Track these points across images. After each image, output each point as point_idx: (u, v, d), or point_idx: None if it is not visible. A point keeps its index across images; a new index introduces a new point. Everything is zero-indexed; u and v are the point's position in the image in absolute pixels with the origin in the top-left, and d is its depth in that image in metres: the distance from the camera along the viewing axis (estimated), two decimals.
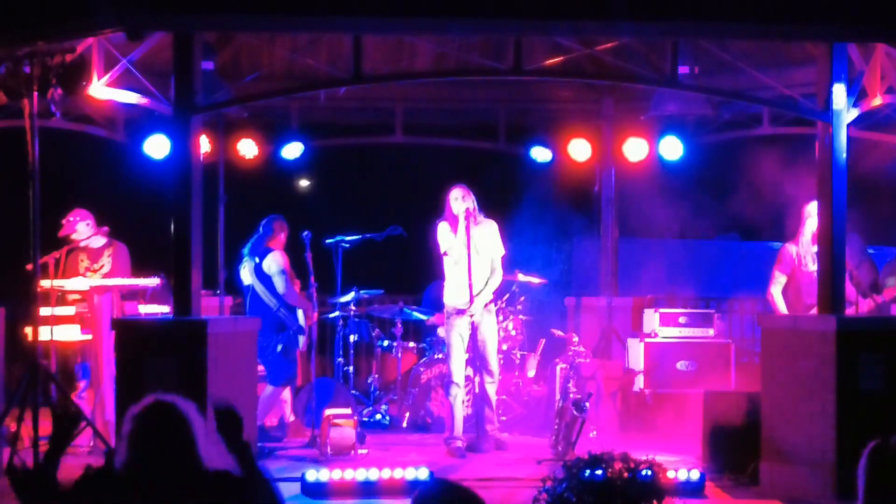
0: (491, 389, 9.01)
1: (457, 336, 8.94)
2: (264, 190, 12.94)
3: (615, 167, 11.86)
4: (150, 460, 3.74)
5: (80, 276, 8.94)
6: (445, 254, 8.95)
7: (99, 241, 9.22)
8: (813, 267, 8.65)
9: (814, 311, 8.66)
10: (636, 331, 10.62)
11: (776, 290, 8.91)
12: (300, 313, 9.40)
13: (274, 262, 9.23)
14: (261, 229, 9.41)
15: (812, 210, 8.62)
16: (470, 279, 8.77)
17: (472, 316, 8.84)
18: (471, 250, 8.77)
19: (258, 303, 9.29)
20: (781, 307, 8.87)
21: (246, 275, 9.41)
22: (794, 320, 8.01)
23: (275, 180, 13.35)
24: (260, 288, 9.25)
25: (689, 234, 12.48)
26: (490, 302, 9.08)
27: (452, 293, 9.00)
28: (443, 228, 8.96)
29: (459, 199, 8.85)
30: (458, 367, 8.94)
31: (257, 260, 9.28)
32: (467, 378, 9.17)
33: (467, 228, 8.77)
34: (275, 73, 9.98)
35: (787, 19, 7.45)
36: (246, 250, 9.43)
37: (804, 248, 8.82)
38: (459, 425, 8.92)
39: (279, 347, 9.26)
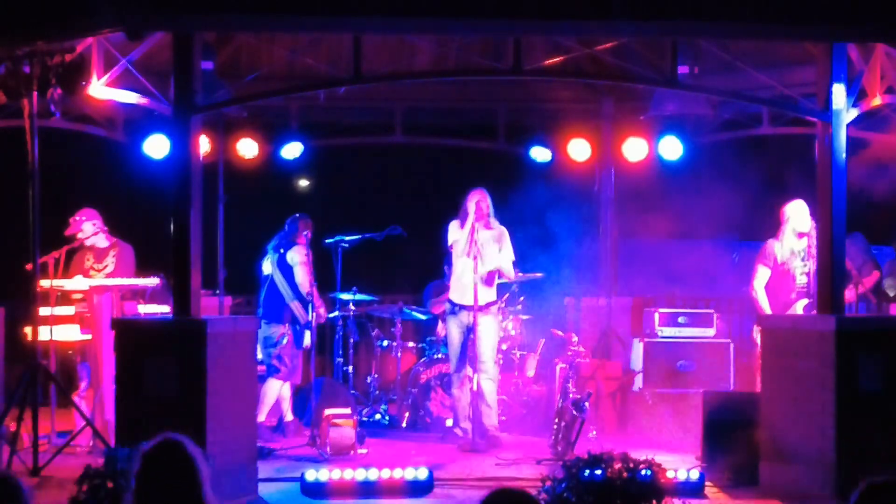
0: (487, 386, 9.07)
1: (454, 330, 9.26)
2: (264, 190, 12.94)
3: (615, 167, 11.86)
4: (158, 499, 3.74)
5: (84, 276, 8.96)
6: (451, 246, 9.29)
7: (104, 241, 9.23)
8: (795, 264, 8.75)
9: (794, 307, 8.74)
10: (636, 331, 10.62)
11: (759, 285, 8.98)
12: (311, 309, 9.51)
13: (297, 254, 9.54)
14: (286, 227, 9.72)
15: (790, 211, 8.76)
16: (474, 275, 8.98)
17: (469, 313, 9.04)
18: (473, 248, 9.01)
19: (274, 293, 9.54)
20: (763, 302, 8.90)
21: (267, 266, 9.69)
22: (794, 320, 8.02)
23: (274, 180, 13.34)
24: (279, 278, 9.52)
25: (690, 234, 12.45)
26: (492, 304, 9.23)
27: (453, 287, 9.32)
28: (453, 225, 9.32)
29: (473, 201, 9.18)
30: (455, 359, 9.27)
31: (282, 251, 9.56)
32: (467, 378, 9.18)
33: (472, 225, 9.06)
34: (275, 73, 9.97)
35: (787, 19, 7.44)
36: (271, 245, 9.73)
37: (785, 248, 8.89)
38: (462, 415, 9.20)
39: (285, 340, 9.39)
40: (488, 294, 9.21)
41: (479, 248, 9.05)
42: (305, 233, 9.58)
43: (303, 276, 9.46)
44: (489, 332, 9.16)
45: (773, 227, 9.14)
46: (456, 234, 9.25)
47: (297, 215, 9.72)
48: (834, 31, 7.51)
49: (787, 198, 9.09)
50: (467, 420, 9.11)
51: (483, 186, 9.35)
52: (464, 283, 9.18)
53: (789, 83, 8.69)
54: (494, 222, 9.29)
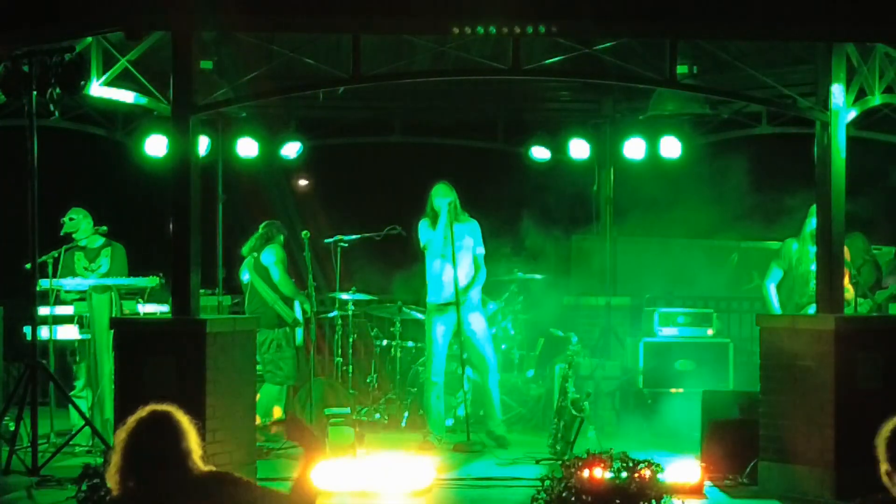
0: (489, 385, 9.06)
1: (437, 333, 9.05)
2: (263, 189, 12.94)
3: (614, 167, 11.87)
4: (146, 472, 3.74)
5: (77, 275, 8.95)
6: (425, 248, 9.08)
7: (97, 240, 9.23)
8: (806, 266, 8.70)
9: (805, 310, 8.71)
10: (635, 330, 10.62)
11: (771, 284, 8.95)
12: (297, 306, 9.50)
13: (272, 254, 9.48)
14: (260, 230, 9.64)
15: (811, 212, 8.68)
16: (455, 273, 8.84)
17: (458, 310, 8.88)
18: (451, 245, 8.83)
19: (256, 299, 9.42)
20: (773, 301, 8.88)
21: (246, 272, 9.57)
22: (793, 320, 8.01)
23: (273, 179, 13.34)
24: (259, 283, 9.42)
25: (689, 234, 12.46)
26: (476, 294, 9.16)
27: (433, 288, 9.11)
28: (422, 225, 9.11)
29: (440, 196, 9.00)
30: (437, 364, 9.07)
31: (256, 255, 9.44)
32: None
33: (448, 223, 8.87)
34: (274, 72, 9.96)
35: (786, 19, 7.45)
36: (245, 250, 9.66)
37: (801, 249, 8.84)
38: (437, 421, 9.04)
39: (276, 345, 9.36)
40: (473, 289, 9.11)
41: (457, 245, 8.89)
42: (279, 237, 9.56)
43: (280, 275, 9.41)
44: (482, 326, 9.11)
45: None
46: (429, 234, 9.03)
47: (269, 221, 9.69)
48: (834, 31, 7.51)
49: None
50: (443, 428, 9.08)
51: (446, 180, 9.16)
52: (444, 283, 8.98)
53: (788, 82, 8.69)
54: (465, 215, 9.12)
